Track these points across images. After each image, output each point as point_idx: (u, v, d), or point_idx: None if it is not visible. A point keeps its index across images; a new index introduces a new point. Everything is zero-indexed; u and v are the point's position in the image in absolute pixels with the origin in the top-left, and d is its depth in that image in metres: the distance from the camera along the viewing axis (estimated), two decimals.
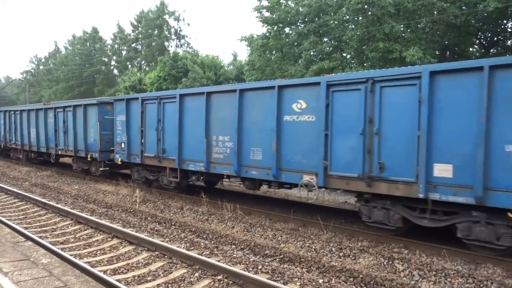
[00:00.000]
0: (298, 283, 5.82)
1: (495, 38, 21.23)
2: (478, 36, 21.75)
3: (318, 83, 8.42)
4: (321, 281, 5.93)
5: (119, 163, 14.04)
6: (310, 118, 8.60)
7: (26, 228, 8.88)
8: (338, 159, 8.15)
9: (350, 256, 7.05)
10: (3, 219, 9.34)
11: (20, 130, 21.16)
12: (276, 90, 9.08)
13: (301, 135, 8.75)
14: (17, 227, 8.70)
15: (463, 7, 18.18)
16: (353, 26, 21.29)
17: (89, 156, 15.64)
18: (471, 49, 22.58)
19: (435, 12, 18.83)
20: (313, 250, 7.39)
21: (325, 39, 22.81)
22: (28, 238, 7.57)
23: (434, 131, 6.87)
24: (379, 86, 7.56)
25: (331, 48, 22.77)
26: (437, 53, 20.78)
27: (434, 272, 6.19)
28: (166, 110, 12.07)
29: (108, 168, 15.30)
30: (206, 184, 13.14)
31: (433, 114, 6.87)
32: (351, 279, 5.99)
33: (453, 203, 6.75)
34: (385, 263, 6.64)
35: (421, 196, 7.01)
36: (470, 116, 6.50)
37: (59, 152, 17.86)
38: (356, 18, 20.41)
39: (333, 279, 6.02)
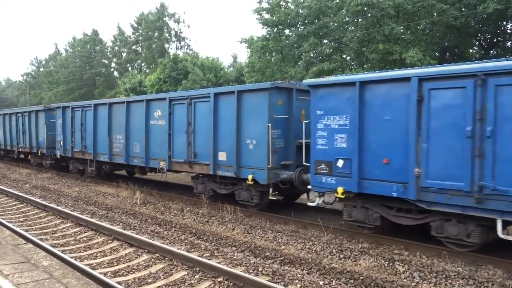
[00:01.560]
0: (299, 285, 5.82)
1: (495, 40, 21.25)
2: (478, 38, 21.77)
3: (165, 98, 12.30)
4: (321, 283, 5.93)
5: (58, 157, 17.95)
6: (162, 122, 12.37)
7: (26, 231, 8.89)
8: (176, 150, 12.03)
9: (351, 257, 7.05)
10: (4, 222, 9.35)
11: None
12: (145, 102, 12.95)
13: (158, 134, 12.52)
14: (17, 229, 8.71)
15: (463, 9, 18.19)
16: (352, 27, 21.31)
17: (39, 152, 19.36)
18: (470, 50, 22.60)
19: (435, 14, 18.85)
20: (313, 252, 7.39)
21: (325, 41, 22.82)
22: (28, 240, 7.58)
23: (218, 130, 10.65)
24: (194, 101, 11.39)
25: (331, 50, 22.76)
26: (437, 54, 20.80)
27: (434, 274, 6.19)
28: (87, 116, 15.96)
29: (53, 162, 18.89)
30: (127, 174, 17.13)
31: (217, 119, 10.63)
32: (352, 280, 5.99)
33: (237, 178, 10.27)
34: (385, 265, 6.64)
35: (211, 172, 10.85)
36: (233, 121, 10.16)
37: (20, 149, 21.70)
38: (355, 20, 20.43)
39: (334, 281, 6.02)
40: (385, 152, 7.42)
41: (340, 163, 8.02)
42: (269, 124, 9.28)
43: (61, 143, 17.32)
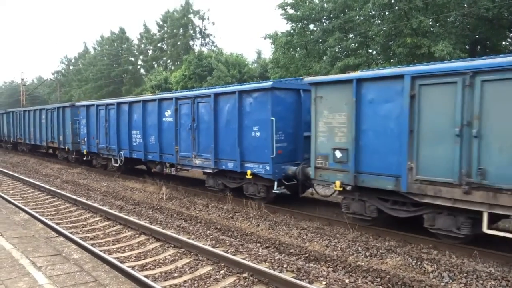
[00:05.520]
0: (324, 283, 5.78)
1: None
2: (511, 29, 20.89)
3: (44, 109, 23.36)
4: (347, 280, 5.86)
5: None
6: (44, 121, 22.79)
7: (58, 224, 9.20)
8: (48, 135, 22.49)
9: (377, 256, 6.94)
10: (37, 215, 9.70)
11: None
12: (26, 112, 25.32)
13: (42, 126, 23.46)
14: (49, 222, 9.01)
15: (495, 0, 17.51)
16: (379, 21, 20.88)
17: None
18: (503, 42, 21.73)
19: (465, 5, 18.23)
20: (338, 249, 7.31)
21: (351, 35, 22.46)
22: (60, 233, 7.84)
23: (65, 126, 20.56)
24: (52, 111, 21.99)
25: (356, 44, 22.38)
26: (467, 47, 20.13)
27: (465, 274, 6.01)
28: (20, 118, 26.74)
29: None
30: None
31: (60, 119, 20.95)
32: (378, 279, 5.90)
33: (64, 148, 21.05)
34: (413, 264, 6.50)
35: (57, 146, 21.65)
36: (68, 120, 20.27)
37: None
38: (382, 13, 20.01)
39: (360, 279, 5.94)
40: (98, 134, 17.05)
41: (93, 137, 17.35)
42: (71, 122, 19.52)
43: None
